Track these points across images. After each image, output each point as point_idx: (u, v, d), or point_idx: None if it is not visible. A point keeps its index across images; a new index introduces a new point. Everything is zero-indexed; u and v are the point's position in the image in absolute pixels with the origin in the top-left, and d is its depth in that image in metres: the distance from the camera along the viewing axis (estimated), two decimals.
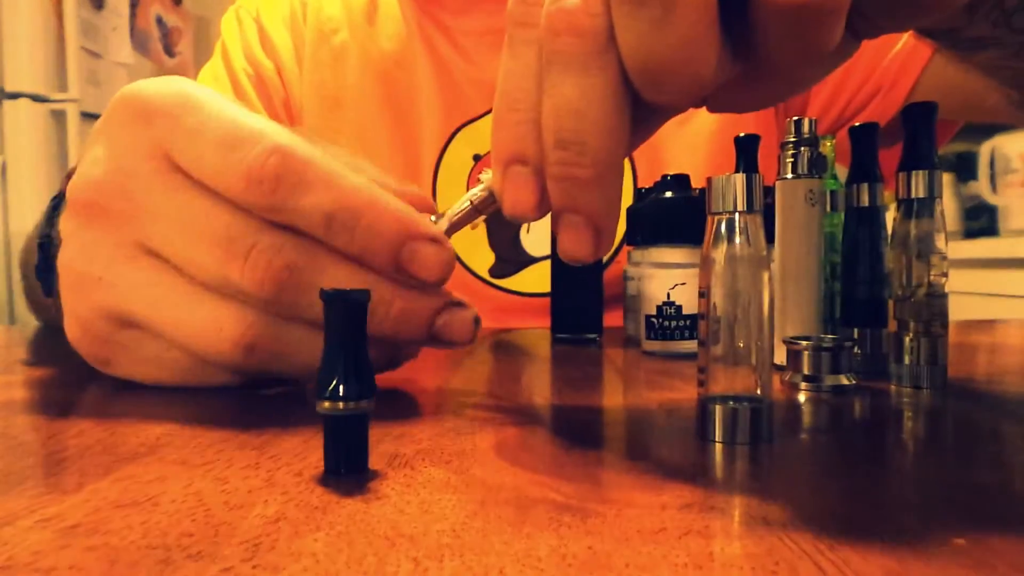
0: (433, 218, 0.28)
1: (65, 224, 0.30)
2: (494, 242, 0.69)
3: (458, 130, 0.70)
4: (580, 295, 0.51)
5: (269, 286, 0.26)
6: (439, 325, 0.28)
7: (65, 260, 0.29)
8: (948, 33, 0.30)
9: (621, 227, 0.58)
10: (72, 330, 0.30)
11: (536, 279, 0.69)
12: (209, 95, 0.28)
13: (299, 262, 0.26)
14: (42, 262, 0.36)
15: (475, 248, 0.69)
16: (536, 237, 0.69)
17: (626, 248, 0.57)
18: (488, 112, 0.70)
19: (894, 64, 0.63)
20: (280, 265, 0.26)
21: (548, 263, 0.51)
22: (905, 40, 0.61)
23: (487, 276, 0.70)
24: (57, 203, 0.38)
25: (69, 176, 0.32)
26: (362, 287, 0.23)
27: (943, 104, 0.34)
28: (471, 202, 0.27)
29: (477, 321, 0.29)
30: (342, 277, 0.27)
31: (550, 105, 0.22)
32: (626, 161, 0.68)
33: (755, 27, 0.20)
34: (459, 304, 0.29)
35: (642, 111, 0.22)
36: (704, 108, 0.24)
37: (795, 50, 0.20)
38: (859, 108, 0.66)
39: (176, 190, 0.27)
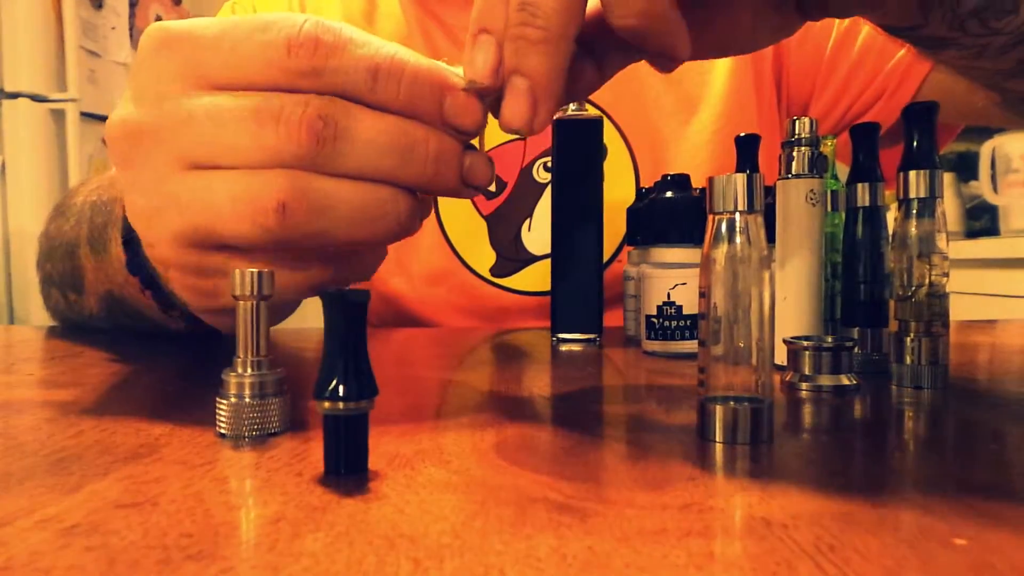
0: None
1: (116, 173, 0.29)
2: (495, 241, 0.69)
3: None
4: (580, 295, 0.51)
5: (306, 137, 0.26)
6: (466, 167, 0.29)
7: (129, 208, 0.29)
8: (907, 30, 0.30)
9: (621, 227, 0.58)
10: (175, 283, 0.31)
11: (537, 278, 0.68)
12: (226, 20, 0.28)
13: (330, 110, 0.27)
14: (131, 258, 0.35)
15: (476, 247, 0.69)
16: (538, 236, 0.69)
17: (626, 248, 0.57)
18: None
19: (898, 68, 0.63)
20: (313, 115, 0.26)
21: (549, 262, 0.51)
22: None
23: (488, 275, 0.70)
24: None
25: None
26: (395, 130, 0.27)
27: (943, 109, 0.34)
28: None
29: (491, 164, 0.30)
30: (373, 122, 0.27)
31: None
32: (629, 160, 0.67)
33: None
34: (474, 148, 0.30)
35: (606, 47, 0.26)
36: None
37: None
38: (861, 112, 0.66)
39: (205, 96, 0.27)
